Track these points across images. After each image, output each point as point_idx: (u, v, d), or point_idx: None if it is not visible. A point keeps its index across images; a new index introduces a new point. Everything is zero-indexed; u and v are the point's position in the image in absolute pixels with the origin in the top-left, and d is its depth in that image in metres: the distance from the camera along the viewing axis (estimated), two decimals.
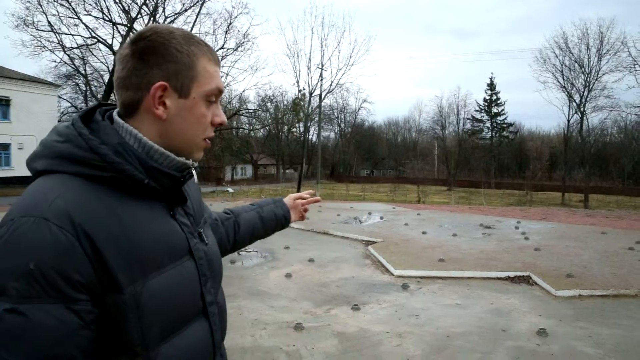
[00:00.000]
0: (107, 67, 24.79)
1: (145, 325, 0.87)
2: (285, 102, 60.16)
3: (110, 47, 23.27)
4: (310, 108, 36.79)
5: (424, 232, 10.44)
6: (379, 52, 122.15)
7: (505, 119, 64.53)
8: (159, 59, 0.92)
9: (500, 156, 67.40)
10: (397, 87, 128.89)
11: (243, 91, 38.17)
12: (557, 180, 52.67)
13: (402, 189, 54.25)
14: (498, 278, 6.84)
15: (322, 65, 33.65)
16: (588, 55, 36.29)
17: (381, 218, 13.55)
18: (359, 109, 77.48)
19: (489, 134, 65.51)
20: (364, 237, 10.03)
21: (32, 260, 0.76)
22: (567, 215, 16.12)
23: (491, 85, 63.59)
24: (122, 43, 23.46)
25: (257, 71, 76.83)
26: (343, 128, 78.77)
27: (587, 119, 38.76)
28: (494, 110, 63.74)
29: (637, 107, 29.48)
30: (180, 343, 0.95)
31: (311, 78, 41.90)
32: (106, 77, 25.00)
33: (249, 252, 8.91)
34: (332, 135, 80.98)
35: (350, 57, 42.11)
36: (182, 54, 0.93)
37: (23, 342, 0.74)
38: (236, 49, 27.67)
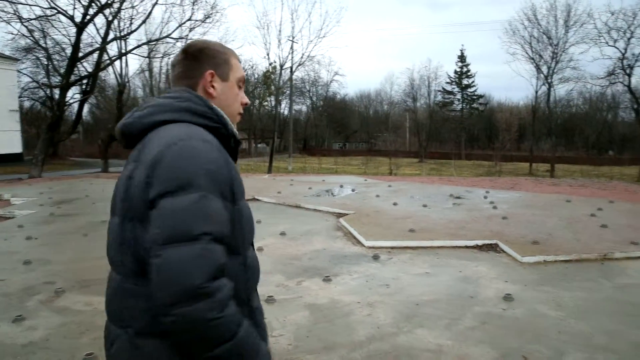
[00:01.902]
0: (70, 40, 23.78)
1: (242, 233, 1.26)
2: (256, 76, 59.30)
3: (71, 18, 22.28)
4: (281, 81, 36.29)
5: (394, 204, 10.54)
6: (351, 24, 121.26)
7: (475, 90, 65.28)
8: (206, 56, 1.37)
9: (471, 128, 68.33)
10: (369, 59, 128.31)
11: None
12: (525, 151, 53.75)
13: (374, 162, 54.63)
14: (467, 247, 6.97)
15: (293, 38, 33.09)
16: (556, 27, 36.73)
17: (353, 190, 13.61)
18: (330, 81, 76.90)
19: (460, 106, 66.24)
20: (335, 209, 10.06)
21: (211, 166, 1.15)
22: (534, 184, 16.50)
23: (462, 57, 63.99)
24: (84, 14, 22.50)
25: (226, 44, 75.13)
26: (315, 101, 78.33)
27: (554, 90, 39.44)
28: (465, 82, 64.34)
29: (602, 78, 30.09)
30: (252, 254, 1.36)
31: (282, 50, 41.29)
32: (69, 51, 23.99)
33: None
34: (304, 108, 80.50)
35: (321, 28, 41.46)
36: (220, 53, 1.40)
37: (213, 218, 1.11)
38: (204, 21, 26.92)
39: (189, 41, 1.74)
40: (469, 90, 64.81)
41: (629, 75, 27.85)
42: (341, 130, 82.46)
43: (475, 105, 66.56)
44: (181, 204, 1.08)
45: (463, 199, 11.45)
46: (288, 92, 76.25)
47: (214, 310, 1.03)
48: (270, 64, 42.72)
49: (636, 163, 40.90)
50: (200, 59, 1.37)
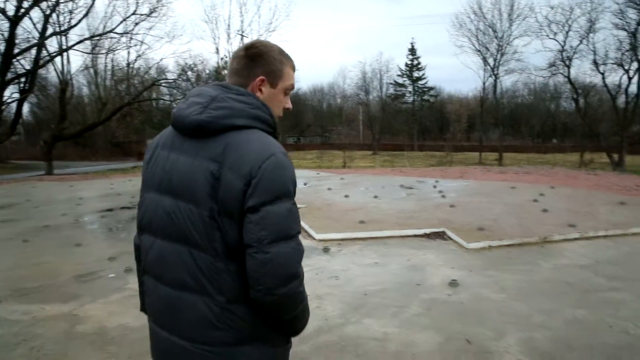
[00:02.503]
0: (2, 35, 22.47)
1: None
2: (208, 71, 58.12)
3: (3, 11, 21.09)
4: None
5: (346, 196, 10.59)
6: (302, 18, 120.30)
7: (426, 83, 66.52)
8: (263, 62, 1.50)
9: (422, 119, 69.69)
10: (322, 53, 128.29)
11: (160, 60, 36.28)
12: (475, 141, 55.32)
13: (329, 155, 54.76)
14: (415, 235, 7.09)
15: (243, 32, 32.66)
16: (500, 20, 37.86)
17: (305, 184, 13.60)
18: None
19: (411, 98, 67.35)
20: None
21: (295, 176, 1.42)
22: (482, 173, 17.00)
23: (412, 50, 65.01)
24: (18, 7, 21.34)
25: (174, 39, 73.14)
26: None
27: (500, 81, 40.69)
28: (415, 74, 65.43)
29: (544, 69, 31.24)
30: None
31: (231, 45, 40.59)
32: (3, 47, 22.69)
33: None
34: None
35: (271, 22, 41.08)
36: (276, 61, 1.52)
37: (299, 220, 1.40)
38: (150, 15, 26.15)
39: (253, 39, 1.72)
40: (420, 82, 66.01)
41: (568, 67, 29.01)
42: (295, 125, 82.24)
43: (426, 97, 67.89)
44: (280, 212, 1.34)
45: (413, 189, 11.65)
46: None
47: (301, 286, 1.41)
48: (221, 59, 41.97)
49: (577, 150, 42.90)
50: (257, 63, 1.51)
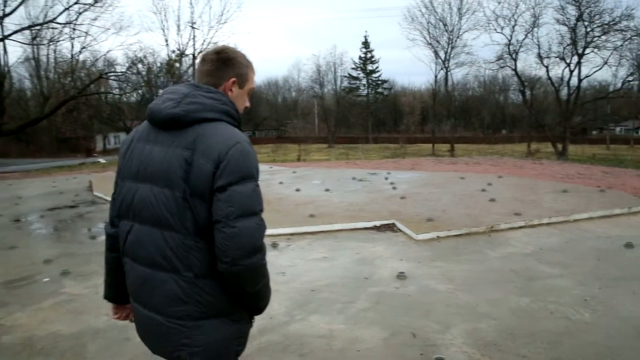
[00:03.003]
0: None
1: None
2: (159, 64, 56.47)
3: None
4: (182, 69, 34.87)
5: (297, 190, 10.45)
6: (255, 10, 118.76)
7: (379, 76, 67.09)
8: (234, 66, 1.70)
9: (377, 112, 70.33)
10: (276, 46, 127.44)
11: (107, 52, 34.83)
12: (428, 133, 56.28)
13: (284, 149, 54.51)
14: (365, 228, 7.02)
15: (193, 23, 31.83)
16: (450, 14, 38.66)
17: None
18: None
19: (365, 91, 67.80)
20: None
21: (257, 161, 1.62)
22: (433, 164, 17.24)
23: (366, 44, 65.36)
24: None
25: (121, 30, 70.44)
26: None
27: (451, 74, 41.57)
28: (369, 67, 65.85)
29: (492, 62, 32.11)
30: None
31: (181, 37, 39.56)
32: None
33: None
34: None
35: (222, 14, 40.22)
36: (244, 66, 1.74)
37: (261, 199, 1.59)
38: (94, 4, 24.99)
39: (221, 45, 1.92)
40: (374, 75, 66.51)
41: (515, 60, 29.98)
42: (250, 119, 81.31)
43: (380, 90, 68.50)
44: (245, 191, 1.51)
45: (365, 182, 11.64)
46: (192, 80, 73.56)
47: (264, 259, 1.55)
48: (173, 52, 40.84)
49: (525, 140, 44.44)
50: (229, 66, 1.70)
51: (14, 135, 43.52)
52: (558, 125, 30.86)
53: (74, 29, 27.07)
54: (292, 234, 6.86)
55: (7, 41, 24.66)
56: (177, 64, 53.24)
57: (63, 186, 14.47)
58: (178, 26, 36.10)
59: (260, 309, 1.71)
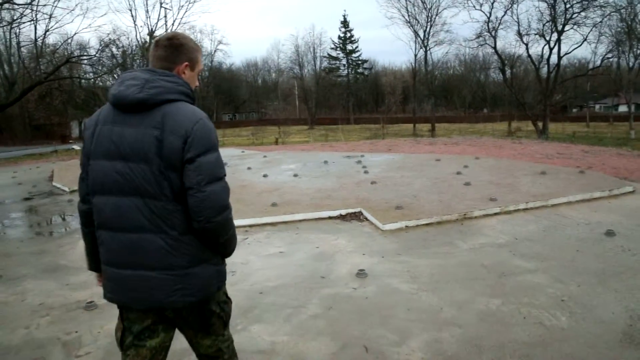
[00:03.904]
0: None
1: None
2: (134, 46, 54.78)
3: None
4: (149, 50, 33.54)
5: (265, 175, 9.88)
6: None
7: (359, 56, 66.26)
8: (185, 51, 1.94)
9: (358, 92, 69.64)
10: (254, 27, 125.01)
11: (74, 34, 33.34)
12: (410, 113, 55.87)
13: (265, 131, 53.68)
14: (330, 217, 6.51)
15: (163, 3, 30.62)
16: None
17: (225, 164, 12.73)
18: (215, 51, 73.82)
19: (345, 72, 66.93)
20: None
21: (215, 134, 1.84)
22: (411, 145, 16.76)
23: (345, 23, 64.32)
24: None
25: (88, 11, 67.76)
26: (200, 72, 74.85)
27: (430, 53, 40.99)
28: (349, 47, 64.93)
29: (471, 40, 31.57)
30: None
31: (149, 19, 38.21)
32: None
33: (65, 219, 7.66)
34: None
35: None
36: (194, 50, 1.98)
37: (223, 165, 1.88)
38: None
39: (172, 31, 2.08)
40: (354, 55, 65.63)
41: (494, 38, 29.46)
42: (230, 101, 79.97)
43: (360, 70, 67.70)
44: (211, 160, 1.78)
45: (336, 165, 11.12)
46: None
47: (230, 214, 1.88)
48: (148, 34, 39.44)
49: (506, 119, 44.24)
50: (181, 51, 1.93)
51: None
52: (539, 103, 30.58)
53: (35, 10, 25.72)
54: (250, 226, 6.32)
55: None
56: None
57: (23, 176, 13.72)
58: (146, 6, 34.63)
59: (229, 253, 2.01)
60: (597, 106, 62.53)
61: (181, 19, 39.10)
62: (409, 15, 39.27)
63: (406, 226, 5.81)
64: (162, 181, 1.75)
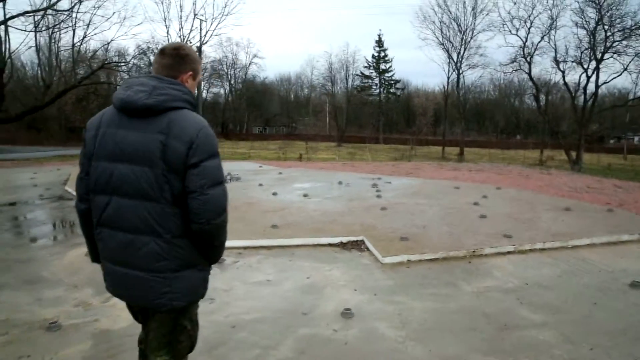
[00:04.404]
0: None
1: None
2: None
3: None
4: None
5: (274, 193, 9.55)
6: (266, 4, 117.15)
7: (392, 75, 65.89)
8: (190, 61, 2.06)
9: (389, 112, 69.16)
10: (289, 42, 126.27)
11: (110, 41, 34.07)
12: (441, 135, 55.03)
13: (293, 146, 53.62)
14: (330, 244, 6.11)
15: (196, 14, 31.09)
16: (464, 13, 37.35)
17: (237, 179, 12.50)
18: (249, 64, 74.83)
19: (377, 91, 66.63)
20: None
21: (216, 141, 1.96)
22: (434, 169, 16.22)
23: (379, 42, 64.22)
24: None
25: (125, 20, 70.20)
26: (233, 84, 75.86)
27: (463, 76, 40.30)
28: (382, 67, 64.69)
29: (505, 65, 30.80)
30: None
31: (182, 29, 38.81)
32: None
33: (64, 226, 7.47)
34: (222, 91, 77.83)
35: (226, 5, 39.24)
36: (197, 61, 2.10)
37: (223, 171, 1.99)
38: None
39: (177, 42, 2.20)
40: (387, 75, 65.32)
41: (529, 63, 28.63)
42: (261, 114, 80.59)
43: (392, 90, 67.28)
44: (214, 166, 1.90)
45: (351, 186, 10.71)
46: (205, 73, 73.01)
47: (227, 217, 1.99)
48: (198, 47, 40.06)
49: (539, 147, 43.00)
50: (186, 61, 2.04)
51: (25, 123, 43.37)
52: (573, 133, 29.51)
53: (75, 17, 26.40)
54: (245, 248, 5.97)
55: (11, 29, 23.98)
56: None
57: (42, 178, 13.80)
58: (180, 17, 35.20)
59: (217, 259, 2.08)
60: (637, 138, 60.28)
61: (213, 30, 39.43)
62: (442, 37, 38.78)
63: (408, 260, 5.36)
64: (163, 184, 1.85)
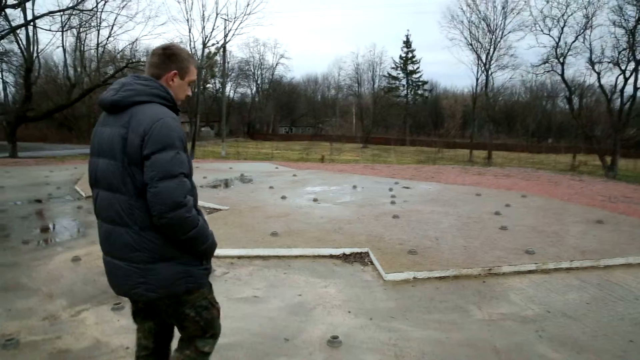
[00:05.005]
0: None
1: (190, 169, 2.03)
2: (198, 57, 56.18)
3: None
4: (203, 59, 34.07)
5: (283, 197, 9.06)
6: (294, 3, 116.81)
7: (420, 76, 64.81)
8: (176, 60, 2.09)
9: (416, 114, 68.06)
10: (316, 43, 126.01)
11: (135, 41, 34.21)
12: (469, 138, 53.76)
13: (318, 147, 53.21)
14: (331, 256, 5.58)
15: (219, 13, 30.87)
16: (494, 13, 36.24)
17: (250, 181, 12.07)
18: (276, 64, 74.90)
19: (405, 92, 65.62)
20: (210, 204, 8.48)
21: (180, 133, 1.94)
22: (457, 173, 15.48)
23: (407, 43, 63.24)
24: None
25: (149, 20, 71.53)
26: (259, 84, 75.99)
27: (492, 77, 39.09)
28: (410, 68, 63.68)
29: (536, 66, 29.53)
30: (193, 182, 2.14)
31: (204, 28, 38.89)
32: None
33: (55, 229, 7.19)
34: (249, 91, 78.09)
35: (248, 5, 38.95)
36: (185, 60, 2.12)
37: (183, 164, 1.93)
38: None
39: (169, 42, 2.22)
40: (414, 76, 64.26)
41: (562, 64, 27.35)
42: (288, 114, 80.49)
43: (420, 91, 66.18)
44: (165, 158, 1.86)
45: (365, 191, 10.14)
46: (232, 74, 73.34)
47: (187, 212, 1.90)
48: (212, 45, 40.19)
49: (571, 151, 41.38)
50: (172, 60, 2.08)
51: (57, 121, 44.20)
52: (609, 137, 28.09)
53: (99, 16, 26.55)
54: (239, 257, 5.51)
55: (39, 30, 24.22)
56: (216, 57, 52.75)
57: (56, 177, 13.71)
58: (203, 17, 35.13)
59: (203, 253, 2.06)
60: None
61: (235, 30, 39.40)
62: (471, 37, 37.68)
63: (414, 278, 4.78)
64: (125, 177, 1.90)
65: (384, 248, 5.63)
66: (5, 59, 32.41)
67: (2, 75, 40.51)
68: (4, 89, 48.06)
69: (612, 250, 5.63)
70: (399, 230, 6.49)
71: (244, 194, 9.61)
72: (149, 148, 1.85)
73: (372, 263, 5.29)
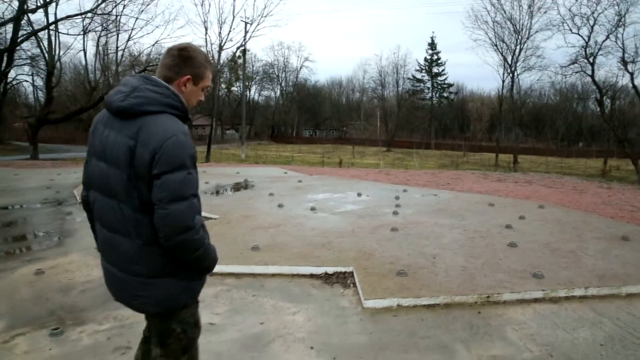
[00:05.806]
0: None
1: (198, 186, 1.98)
2: (222, 61, 56.37)
3: None
4: (220, 62, 33.95)
5: (279, 205, 8.50)
6: (316, 5, 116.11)
7: (445, 79, 63.57)
8: (191, 64, 1.98)
9: (442, 117, 66.82)
10: (341, 46, 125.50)
11: (155, 43, 34.41)
12: (496, 142, 52.41)
13: (341, 150, 52.68)
14: (312, 275, 4.99)
15: (235, 15, 30.67)
16: (520, 12, 35.03)
17: (252, 187, 11.56)
18: (300, 67, 74.77)
19: (430, 95, 64.45)
20: (202, 213, 7.97)
21: (192, 151, 1.86)
22: (476, 179, 14.67)
23: (432, 45, 62.12)
24: None
25: (168, 23, 74.15)
26: (284, 87, 75.89)
27: (518, 79, 37.80)
28: (435, 70, 62.53)
29: (564, 67, 28.27)
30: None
31: (221, 30, 39.05)
32: None
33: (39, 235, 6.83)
34: (273, 94, 78.16)
35: (265, 7, 38.77)
36: (202, 65, 2.01)
37: (194, 185, 1.87)
38: None
39: (186, 43, 2.08)
40: (440, 78, 63.05)
41: (592, 65, 26.08)
42: (312, 117, 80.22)
43: (445, 94, 64.90)
44: (177, 179, 1.79)
45: (369, 199, 9.50)
46: (256, 77, 73.41)
47: (196, 234, 1.86)
48: (238, 48, 40.27)
49: (602, 155, 39.72)
50: (186, 64, 1.96)
51: (85, 124, 44.82)
52: None
53: (118, 20, 26.64)
54: (210, 274, 4.94)
55: (60, 34, 24.40)
56: (239, 61, 52.70)
57: (60, 180, 13.57)
58: (220, 19, 35.06)
59: (204, 270, 2.04)
60: None
61: (252, 32, 39.34)
62: (496, 38, 36.51)
63: (398, 305, 4.15)
64: (131, 190, 1.84)
65: (370, 267, 5.00)
66: (33, 63, 32.97)
67: (32, 80, 41.36)
68: (34, 92, 49.15)
69: (637, 275, 4.85)
70: (393, 246, 5.84)
71: (240, 202, 9.09)
72: (159, 168, 1.78)
73: (354, 285, 4.67)
